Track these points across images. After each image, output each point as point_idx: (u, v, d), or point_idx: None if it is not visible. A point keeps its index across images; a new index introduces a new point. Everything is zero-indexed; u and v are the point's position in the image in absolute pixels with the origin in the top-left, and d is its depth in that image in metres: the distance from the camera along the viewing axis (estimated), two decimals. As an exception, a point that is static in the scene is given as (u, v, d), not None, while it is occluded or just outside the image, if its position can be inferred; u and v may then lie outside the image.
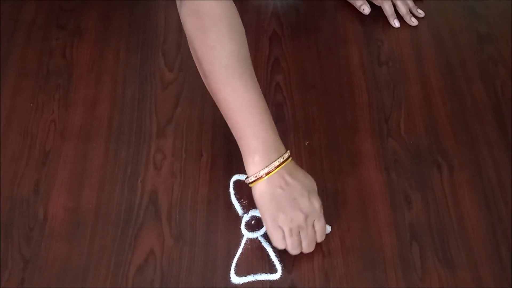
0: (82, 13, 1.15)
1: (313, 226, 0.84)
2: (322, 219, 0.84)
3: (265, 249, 0.87)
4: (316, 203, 0.83)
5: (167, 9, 1.16)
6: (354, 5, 1.16)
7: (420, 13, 1.16)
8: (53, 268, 0.85)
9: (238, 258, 0.86)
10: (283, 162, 0.83)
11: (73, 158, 0.96)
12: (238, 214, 0.90)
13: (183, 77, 1.05)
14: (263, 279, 0.84)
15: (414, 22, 1.15)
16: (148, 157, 0.96)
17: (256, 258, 0.86)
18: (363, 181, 0.93)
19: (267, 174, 0.82)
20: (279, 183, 0.82)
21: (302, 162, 0.95)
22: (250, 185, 0.84)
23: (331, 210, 0.90)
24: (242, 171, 0.94)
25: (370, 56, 1.09)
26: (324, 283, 0.84)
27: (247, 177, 0.85)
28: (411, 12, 1.15)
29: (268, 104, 1.00)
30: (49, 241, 0.87)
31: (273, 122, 0.85)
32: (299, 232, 0.83)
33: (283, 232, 0.83)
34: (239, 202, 0.91)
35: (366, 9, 1.15)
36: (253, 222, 0.89)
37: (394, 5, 1.15)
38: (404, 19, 1.15)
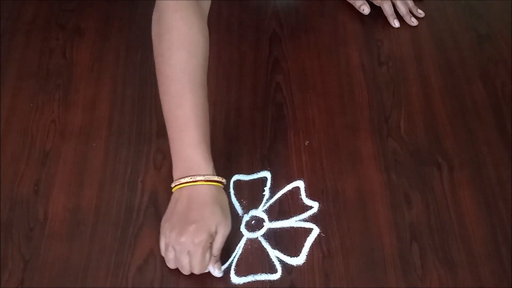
0: (82, 13, 1.15)
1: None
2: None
3: (265, 249, 0.87)
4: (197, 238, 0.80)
5: (167, 9, 1.16)
6: (354, 5, 1.16)
7: (420, 13, 1.16)
8: (53, 268, 0.85)
9: (238, 258, 0.86)
10: (190, 182, 0.82)
11: (73, 158, 0.96)
12: (238, 214, 0.90)
13: (183, 77, 1.05)
14: (263, 279, 0.84)
15: (414, 22, 1.14)
16: (148, 157, 0.96)
17: (256, 258, 0.86)
18: (363, 181, 0.93)
19: (175, 186, 0.84)
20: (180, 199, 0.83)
21: (302, 162, 0.95)
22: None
23: (331, 210, 0.90)
24: (242, 171, 0.94)
25: (370, 56, 1.09)
26: (324, 283, 0.84)
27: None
28: (411, 12, 1.15)
29: (268, 104, 1.00)
30: (49, 241, 0.87)
31: (204, 140, 0.84)
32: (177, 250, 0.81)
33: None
34: (239, 202, 0.91)
35: (366, 9, 1.15)
36: (253, 222, 0.89)
37: (394, 5, 1.15)
38: (404, 19, 1.15)
